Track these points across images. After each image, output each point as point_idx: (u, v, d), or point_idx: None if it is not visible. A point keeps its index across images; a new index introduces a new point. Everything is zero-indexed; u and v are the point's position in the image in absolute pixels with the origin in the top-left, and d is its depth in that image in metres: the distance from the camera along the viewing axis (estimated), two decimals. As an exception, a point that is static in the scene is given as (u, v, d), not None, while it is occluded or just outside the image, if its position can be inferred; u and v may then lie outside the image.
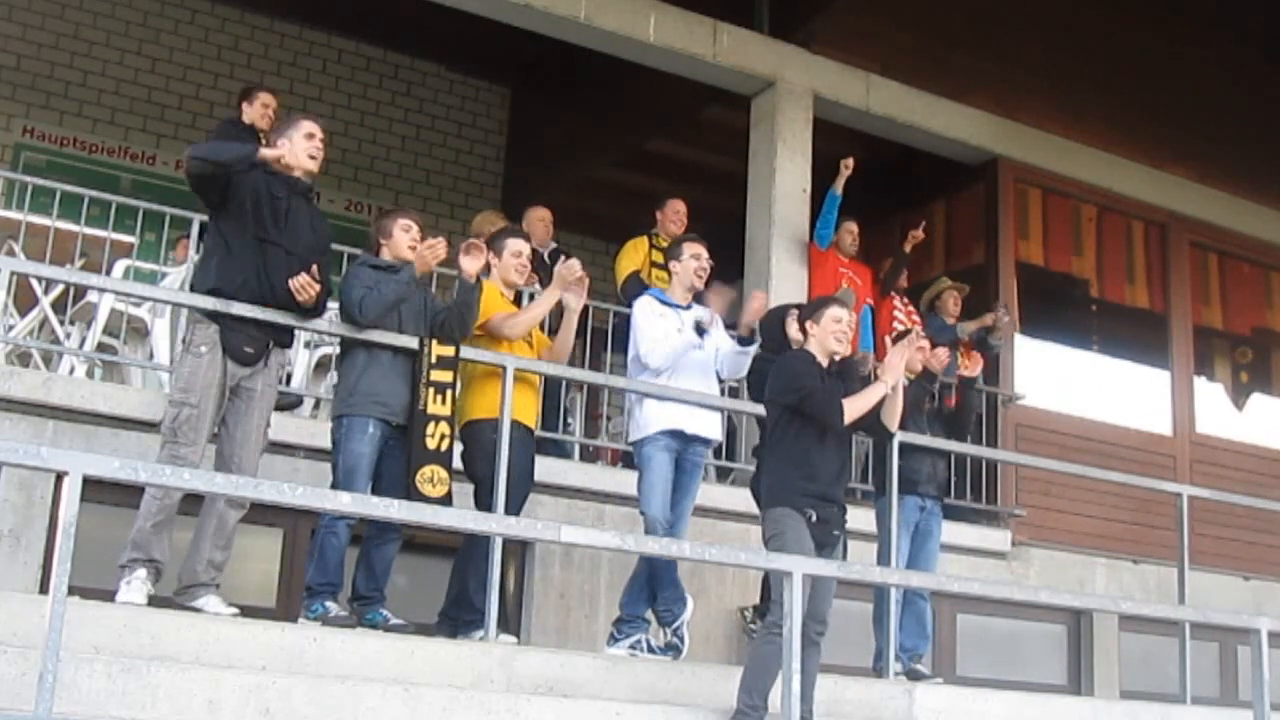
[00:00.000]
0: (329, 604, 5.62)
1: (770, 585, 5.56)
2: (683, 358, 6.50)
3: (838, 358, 5.87)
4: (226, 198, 5.47)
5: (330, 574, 5.68)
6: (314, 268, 5.56)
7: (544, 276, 7.18)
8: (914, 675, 7.01)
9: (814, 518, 5.49)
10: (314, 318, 5.71)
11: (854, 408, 5.64)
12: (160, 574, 5.27)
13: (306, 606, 5.67)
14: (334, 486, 5.67)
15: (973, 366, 7.65)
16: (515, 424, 6.05)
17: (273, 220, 5.52)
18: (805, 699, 5.24)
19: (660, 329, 6.51)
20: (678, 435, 6.38)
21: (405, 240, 6.01)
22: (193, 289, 5.72)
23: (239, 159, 5.51)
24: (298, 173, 5.66)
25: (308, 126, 5.73)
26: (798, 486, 5.55)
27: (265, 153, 5.59)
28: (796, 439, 5.64)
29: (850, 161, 9.01)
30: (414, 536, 6.00)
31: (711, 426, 6.55)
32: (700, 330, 6.51)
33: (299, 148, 5.66)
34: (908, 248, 9.48)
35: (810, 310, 5.97)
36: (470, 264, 5.92)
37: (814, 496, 5.54)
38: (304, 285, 5.48)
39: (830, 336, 5.75)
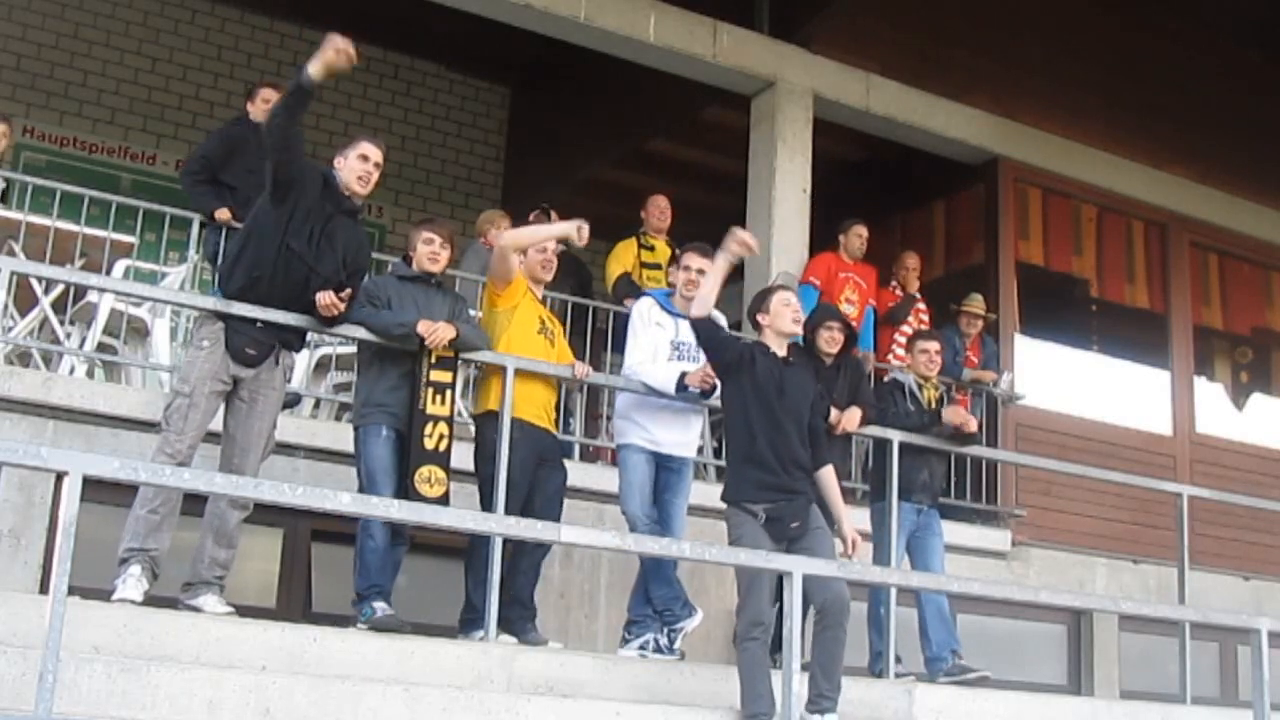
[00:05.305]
0: (376, 604, 5.65)
1: (738, 590, 5.51)
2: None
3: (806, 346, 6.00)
4: (290, 183, 5.46)
5: (374, 577, 5.72)
6: (346, 291, 5.57)
7: (557, 278, 7.25)
8: (960, 671, 6.96)
9: (764, 517, 5.46)
10: (334, 326, 5.74)
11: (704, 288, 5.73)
12: (157, 569, 5.26)
13: (360, 611, 5.71)
14: (360, 491, 5.70)
15: (967, 422, 7.48)
16: (524, 422, 6.07)
17: (307, 236, 5.51)
18: (822, 679, 5.28)
19: (649, 341, 6.48)
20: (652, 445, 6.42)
21: (426, 253, 6.06)
22: (219, 281, 5.70)
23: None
24: (348, 191, 5.69)
25: (363, 147, 5.73)
26: (749, 478, 5.52)
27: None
28: (738, 428, 5.64)
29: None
30: (414, 537, 6.00)
31: (684, 446, 6.54)
32: (682, 387, 6.31)
33: (350, 167, 5.69)
34: (916, 289, 9.49)
35: (757, 302, 5.94)
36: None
37: (769, 489, 5.50)
38: (329, 305, 5.52)
39: (785, 319, 5.77)
